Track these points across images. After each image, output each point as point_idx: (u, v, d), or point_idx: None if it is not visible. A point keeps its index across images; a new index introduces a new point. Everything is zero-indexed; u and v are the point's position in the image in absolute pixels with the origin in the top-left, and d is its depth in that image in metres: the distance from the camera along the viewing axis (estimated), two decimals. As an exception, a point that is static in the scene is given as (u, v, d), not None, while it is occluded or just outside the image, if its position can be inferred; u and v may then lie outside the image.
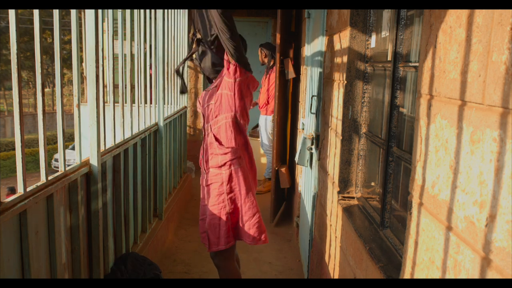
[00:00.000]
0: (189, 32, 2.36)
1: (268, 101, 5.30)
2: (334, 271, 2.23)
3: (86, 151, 2.11)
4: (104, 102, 2.25)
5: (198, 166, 2.47)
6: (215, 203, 2.33)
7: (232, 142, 2.32)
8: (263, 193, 5.46)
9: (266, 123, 5.36)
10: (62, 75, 1.85)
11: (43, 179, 1.71)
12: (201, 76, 6.51)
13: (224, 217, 2.32)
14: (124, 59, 2.67)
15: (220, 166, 2.32)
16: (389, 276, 1.39)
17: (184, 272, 3.31)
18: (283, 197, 4.74)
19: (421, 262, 1.07)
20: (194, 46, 2.47)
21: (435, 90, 1.02)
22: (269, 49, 5.25)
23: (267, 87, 5.27)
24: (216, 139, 2.34)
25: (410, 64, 1.56)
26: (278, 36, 4.14)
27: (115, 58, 2.74)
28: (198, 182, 2.57)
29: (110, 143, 2.43)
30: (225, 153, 2.32)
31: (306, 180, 3.44)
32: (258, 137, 5.90)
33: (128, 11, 2.76)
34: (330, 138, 2.45)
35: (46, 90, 24.35)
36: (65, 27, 15.53)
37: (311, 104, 3.13)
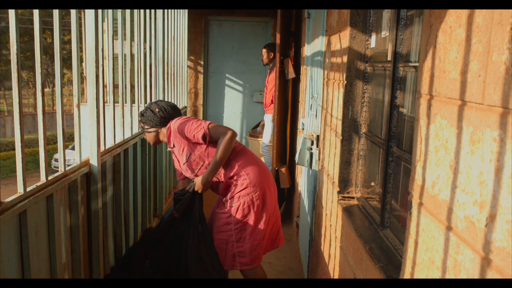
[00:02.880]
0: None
1: (272, 101, 5.31)
2: (334, 271, 2.23)
3: (86, 151, 2.11)
4: (104, 102, 2.25)
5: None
6: (222, 230, 2.38)
7: (236, 190, 2.39)
8: None
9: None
10: (62, 75, 1.85)
11: (43, 179, 1.71)
12: (201, 76, 6.51)
13: (230, 245, 2.37)
14: (124, 59, 2.67)
15: (228, 199, 2.39)
16: (389, 276, 1.39)
17: (184, 272, 3.31)
18: (283, 197, 4.74)
19: (421, 262, 1.07)
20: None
21: (435, 90, 1.02)
22: (274, 49, 5.27)
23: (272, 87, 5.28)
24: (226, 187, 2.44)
25: (410, 64, 1.56)
26: (278, 36, 4.14)
27: (115, 58, 2.75)
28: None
29: (110, 143, 2.43)
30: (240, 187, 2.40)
31: (306, 180, 3.44)
32: (257, 137, 5.89)
33: (128, 11, 2.76)
34: (330, 138, 2.45)
35: (46, 90, 24.36)
36: (65, 27, 15.53)
37: (311, 104, 3.13)
